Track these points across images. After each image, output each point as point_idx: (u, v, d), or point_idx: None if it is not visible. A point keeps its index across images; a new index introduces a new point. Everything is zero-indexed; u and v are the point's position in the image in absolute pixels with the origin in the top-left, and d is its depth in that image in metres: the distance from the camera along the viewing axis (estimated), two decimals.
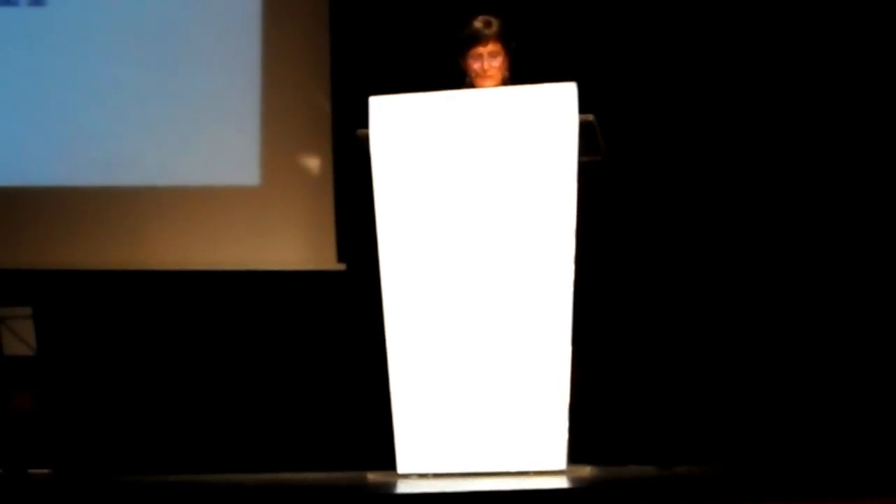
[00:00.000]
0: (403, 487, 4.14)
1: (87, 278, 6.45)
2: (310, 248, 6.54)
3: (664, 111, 6.40)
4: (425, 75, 4.76)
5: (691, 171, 6.37)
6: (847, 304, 6.22)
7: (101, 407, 6.39)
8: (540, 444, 4.39)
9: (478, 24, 4.77)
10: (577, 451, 4.49)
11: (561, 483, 4.10)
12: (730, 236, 6.35)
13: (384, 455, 4.57)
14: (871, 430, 5.99)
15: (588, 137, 4.53)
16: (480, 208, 4.49)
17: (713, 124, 6.39)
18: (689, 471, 4.85)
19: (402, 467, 4.48)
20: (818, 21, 6.37)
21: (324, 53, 6.62)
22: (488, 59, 4.75)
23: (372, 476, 4.59)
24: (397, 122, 4.56)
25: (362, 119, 4.60)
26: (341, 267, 6.50)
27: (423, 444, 4.46)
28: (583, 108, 4.50)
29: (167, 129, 6.52)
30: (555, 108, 4.49)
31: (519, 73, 4.80)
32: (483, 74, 4.76)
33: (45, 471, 5.95)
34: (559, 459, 4.40)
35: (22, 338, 5.87)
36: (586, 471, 4.50)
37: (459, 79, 4.82)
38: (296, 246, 6.55)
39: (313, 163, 6.61)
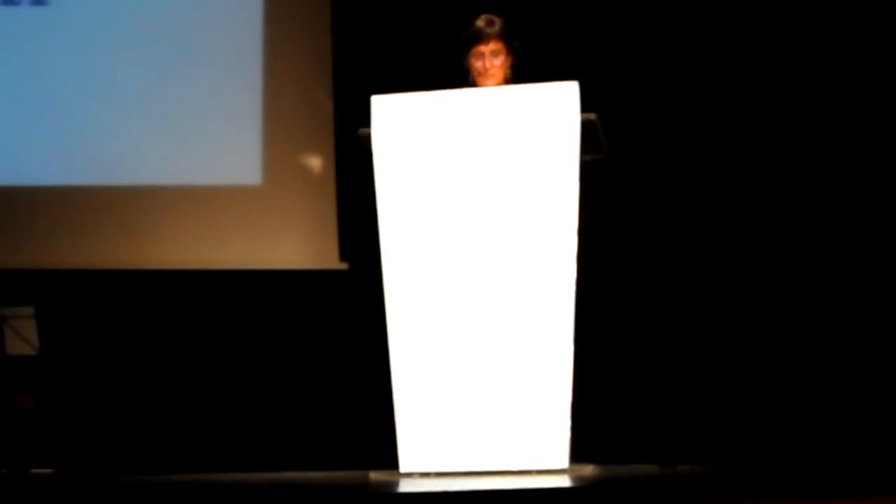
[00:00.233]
0: (406, 486, 4.14)
1: (90, 278, 6.46)
2: (312, 247, 6.55)
3: (666, 110, 6.40)
4: (427, 74, 4.76)
5: (693, 170, 6.38)
6: (847, 303, 6.22)
7: (103, 407, 6.39)
8: (542, 442, 4.39)
9: (480, 22, 4.77)
10: (580, 449, 4.48)
11: (563, 482, 4.10)
12: (731, 235, 6.35)
13: (386, 454, 4.57)
14: (871, 430, 5.99)
15: (590, 136, 4.52)
16: (482, 207, 4.49)
17: (715, 123, 6.39)
18: (692, 470, 4.85)
19: (404, 466, 4.48)
20: (818, 21, 6.37)
21: (325, 52, 6.62)
22: (490, 57, 4.75)
23: (374, 475, 4.59)
24: (399, 122, 4.56)
25: (364, 118, 4.60)
26: (343, 266, 6.50)
27: (425, 443, 4.46)
28: (585, 107, 4.50)
29: (169, 129, 6.52)
30: (557, 107, 4.49)
31: (521, 72, 4.80)
32: (485, 73, 4.76)
33: (48, 470, 5.95)
34: (561, 458, 4.40)
35: (24, 337, 5.87)
36: (588, 470, 4.50)
37: (461, 78, 4.82)
38: (298, 245, 6.55)
39: (315, 162, 6.61)
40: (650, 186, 6.38)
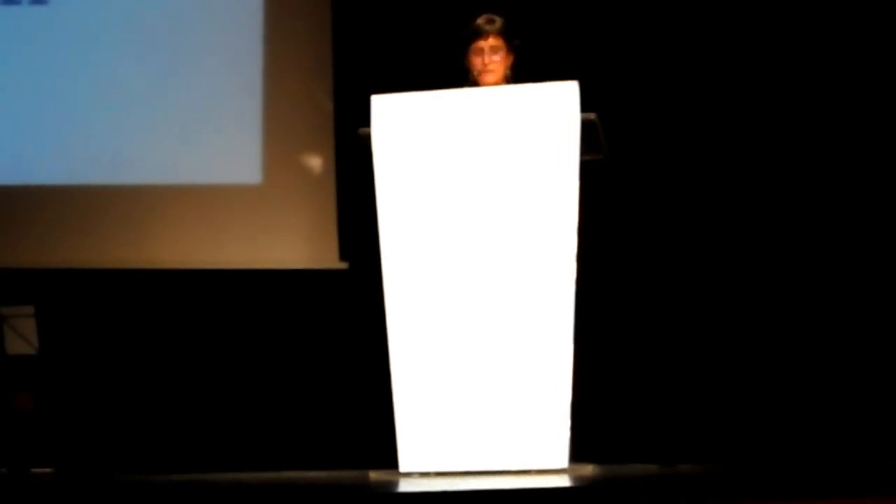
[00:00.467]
0: (405, 486, 4.14)
1: (90, 277, 6.46)
2: (312, 246, 6.55)
3: (666, 110, 6.40)
4: (427, 74, 4.76)
5: (693, 170, 6.38)
6: (847, 304, 6.22)
7: (103, 406, 6.40)
8: (542, 442, 4.39)
9: (480, 20, 4.80)
10: (580, 449, 4.49)
11: (563, 482, 4.10)
12: (732, 235, 6.35)
13: (386, 453, 4.57)
14: (872, 430, 5.99)
15: (590, 136, 4.52)
16: (482, 207, 4.49)
17: (715, 123, 6.40)
18: (692, 469, 4.85)
19: (404, 466, 4.48)
20: (818, 21, 6.37)
21: (326, 52, 6.62)
22: (489, 53, 4.76)
23: (374, 475, 4.59)
24: (399, 121, 4.56)
25: (364, 118, 4.60)
26: (343, 266, 6.50)
27: (424, 442, 4.46)
28: (585, 106, 4.50)
29: (169, 128, 6.52)
30: (557, 106, 4.49)
31: (521, 71, 4.80)
32: (484, 69, 4.77)
33: (48, 470, 5.95)
34: (561, 458, 4.40)
35: (24, 337, 5.87)
36: (588, 469, 4.50)
37: (461, 78, 4.82)
38: (298, 245, 6.55)
39: (315, 161, 6.61)
40: (650, 186, 6.38)
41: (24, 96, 6.51)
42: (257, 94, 6.59)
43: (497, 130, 4.51)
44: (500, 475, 4.34)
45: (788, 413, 6.13)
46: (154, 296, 6.50)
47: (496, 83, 4.77)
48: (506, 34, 4.78)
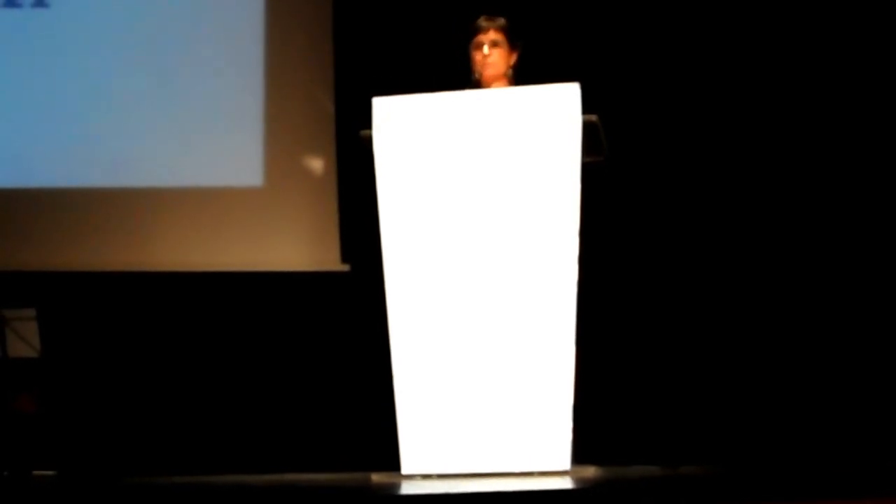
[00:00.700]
0: (407, 488, 4.14)
1: (92, 280, 6.46)
2: (313, 249, 6.55)
3: (667, 112, 6.40)
4: (428, 76, 4.77)
5: (695, 172, 6.38)
6: (848, 305, 6.22)
7: (105, 408, 6.40)
8: (544, 444, 4.39)
9: (482, 17, 4.81)
10: (582, 451, 4.48)
11: (565, 484, 4.10)
12: (733, 237, 6.35)
13: (388, 456, 4.57)
14: (873, 431, 5.99)
15: (591, 138, 4.53)
16: (484, 209, 4.49)
17: (716, 125, 6.40)
18: (694, 471, 4.85)
19: (406, 468, 4.48)
20: (818, 21, 6.37)
21: (327, 55, 6.63)
22: (490, 47, 4.78)
23: (376, 477, 4.58)
24: (401, 123, 4.56)
25: (365, 120, 4.60)
26: (345, 268, 6.51)
27: (427, 444, 4.46)
28: (586, 108, 4.50)
29: (171, 131, 6.53)
30: (558, 108, 4.49)
31: (522, 73, 4.81)
32: (484, 62, 4.78)
33: (50, 472, 5.95)
34: (563, 460, 4.40)
35: (26, 339, 5.87)
36: (590, 471, 4.49)
37: (463, 79, 4.82)
38: (300, 247, 6.55)
39: (317, 164, 6.61)
40: (651, 188, 6.38)
41: (25, 99, 6.52)
42: (259, 96, 6.59)
43: (498, 132, 4.52)
44: (502, 477, 4.34)
45: (790, 414, 6.13)
46: (156, 298, 6.51)
47: (496, 77, 4.79)
48: (507, 31, 4.80)
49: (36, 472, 5.89)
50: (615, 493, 3.83)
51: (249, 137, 6.58)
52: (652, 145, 6.37)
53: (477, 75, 4.81)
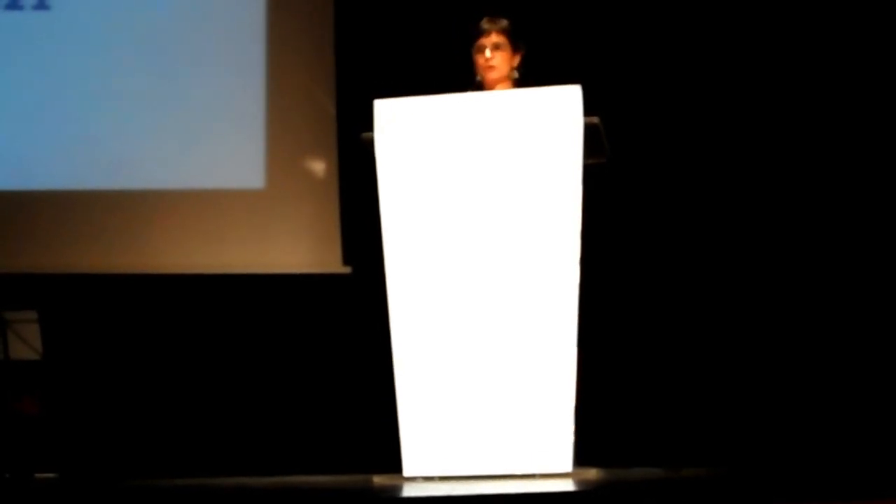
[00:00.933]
0: (409, 490, 4.14)
1: (93, 282, 6.46)
2: (315, 251, 6.55)
3: (668, 113, 6.40)
4: (430, 78, 4.77)
5: (696, 174, 6.38)
6: (849, 307, 6.22)
7: (107, 411, 6.40)
8: (546, 446, 4.39)
9: (485, 19, 4.80)
10: (583, 453, 4.48)
11: (567, 486, 4.10)
12: (734, 238, 6.35)
13: (390, 458, 4.57)
14: (873, 433, 5.99)
15: (593, 140, 4.53)
16: (486, 211, 4.49)
17: (717, 126, 6.40)
18: (696, 473, 4.85)
19: (408, 470, 4.48)
20: (819, 24, 6.37)
21: (328, 57, 6.63)
22: (492, 49, 4.77)
23: (378, 479, 4.58)
24: (402, 125, 4.56)
25: (367, 122, 4.60)
26: (347, 270, 6.51)
27: (429, 446, 4.46)
28: (587, 110, 4.50)
29: (172, 133, 6.53)
30: (560, 110, 4.49)
31: (524, 75, 4.81)
32: (486, 65, 4.78)
33: (52, 475, 5.95)
34: (565, 462, 4.40)
35: (28, 342, 5.87)
36: (592, 473, 4.49)
37: (464, 81, 4.82)
38: (301, 249, 6.55)
39: (318, 166, 6.61)
40: (653, 189, 6.38)
41: (27, 101, 6.52)
42: (260, 98, 6.59)
43: (500, 134, 4.52)
44: (504, 479, 4.33)
45: (791, 416, 6.13)
46: (157, 300, 6.51)
47: (499, 80, 4.79)
48: (510, 34, 4.79)
49: (38, 475, 5.88)
50: (617, 495, 3.83)
51: (251, 139, 6.58)
52: (653, 147, 6.37)
53: (479, 78, 4.81)
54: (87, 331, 6.45)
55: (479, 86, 4.81)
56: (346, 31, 6.62)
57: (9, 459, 5.83)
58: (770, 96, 6.40)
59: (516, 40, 4.81)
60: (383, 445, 4.71)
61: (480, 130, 4.53)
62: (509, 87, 4.79)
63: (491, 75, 4.78)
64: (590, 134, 4.51)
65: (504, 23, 4.80)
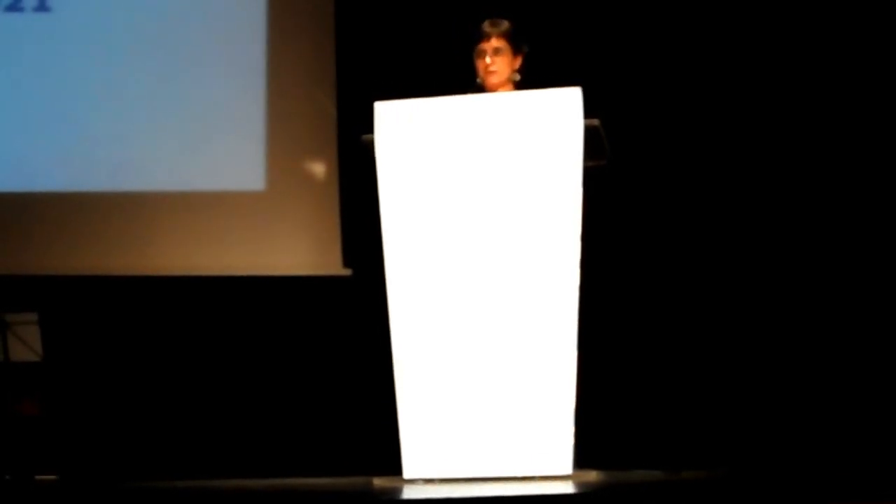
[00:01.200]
0: (409, 493, 4.14)
1: (94, 284, 6.46)
2: (315, 253, 6.55)
3: (669, 115, 6.40)
4: (430, 80, 4.77)
5: (696, 176, 6.37)
6: (849, 309, 6.22)
7: (107, 413, 6.40)
8: (546, 448, 4.39)
9: (485, 23, 4.80)
10: (584, 455, 4.48)
11: (567, 488, 4.10)
12: (735, 241, 6.35)
13: (390, 460, 4.57)
14: (874, 434, 5.98)
15: (593, 142, 4.53)
16: (486, 213, 4.49)
17: (718, 129, 6.39)
18: (695, 475, 4.85)
19: (408, 472, 4.48)
20: (819, 26, 6.37)
21: (329, 59, 6.63)
22: (492, 54, 4.77)
23: (378, 481, 4.59)
24: (402, 128, 4.57)
25: (367, 124, 4.60)
26: (347, 272, 6.51)
27: (429, 449, 4.46)
28: (588, 112, 4.50)
29: (173, 135, 6.53)
30: (560, 112, 4.50)
31: (525, 77, 4.81)
32: (486, 70, 4.78)
33: (52, 477, 5.95)
34: (565, 464, 4.40)
35: (28, 344, 5.87)
36: (592, 475, 4.49)
37: (465, 83, 4.82)
38: (301, 251, 6.55)
39: (319, 168, 6.61)
40: (653, 192, 6.38)
41: (28, 103, 6.52)
42: (261, 100, 6.59)
43: (500, 136, 4.52)
44: (504, 482, 4.34)
45: (791, 418, 6.13)
46: (158, 302, 6.50)
47: (500, 84, 4.79)
48: (511, 36, 4.79)
49: (38, 477, 5.88)
50: (617, 497, 3.83)
51: (251, 142, 6.58)
52: (654, 149, 6.37)
53: (480, 80, 4.81)
54: (88, 333, 6.45)
55: (479, 88, 4.81)
56: (347, 32, 6.62)
57: (9, 461, 5.83)
58: (770, 98, 6.40)
59: (517, 43, 4.81)
60: (383, 448, 4.71)
61: (481, 132, 4.53)
62: (509, 90, 4.79)
63: (492, 80, 4.78)
64: (590, 136, 4.51)
65: (505, 26, 4.80)
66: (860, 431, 6.02)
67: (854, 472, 4.80)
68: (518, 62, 4.82)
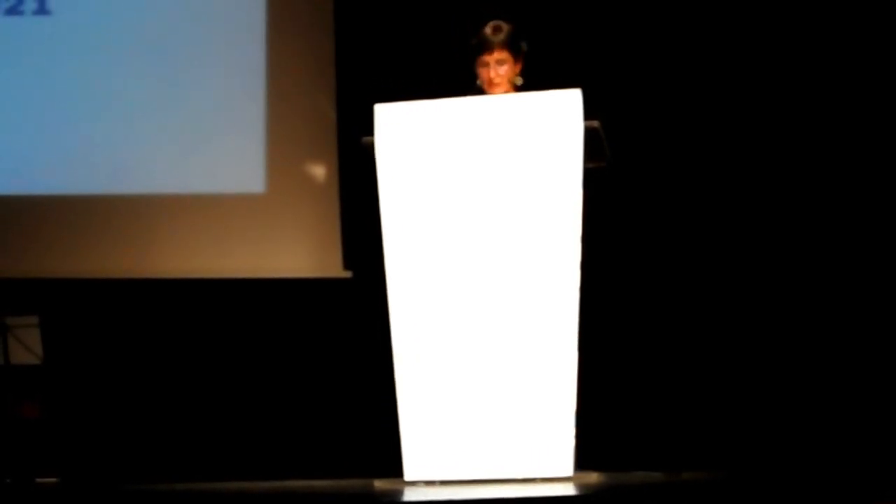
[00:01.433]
0: (410, 495, 4.14)
1: (94, 286, 6.47)
2: (316, 255, 6.55)
3: (669, 117, 6.41)
4: (430, 82, 4.77)
5: (696, 177, 6.38)
6: (849, 310, 6.22)
7: (108, 415, 6.40)
8: (547, 450, 4.39)
9: (487, 30, 4.77)
10: (584, 457, 4.48)
11: (568, 490, 4.10)
12: (735, 242, 6.35)
13: (391, 462, 4.57)
14: (874, 436, 5.98)
15: (593, 143, 4.52)
16: (486, 215, 4.49)
17: (718, 130, 6.40)
18: (696, 477, 4.85)
19: (409, 475, 4.48)
20: (819, 27, 6.37)
21: (329, 61, 6.63)
22: (495, 67, 4.75)
23: (379, 483, 4.58)
24: (402, 130, 4.56)
25: (367, 126, 4.60)
26: (347, 274, 6.51)
27: (429, 451, 4.46)
28: (588, 114, 4.50)
29: (173, 137, 6.53)
30: (560, 114, 4.49)
31: (525, 79, 4.80)
32: (490, 83, 4.77)
33: (53, 479, 5.95)
34: (566, 466, 4.39)
35: (29, 346, 5.88)
36: (593, 477, 4.49)
37: (465, 85, 4.82)
38: (302, 253, 6.55)
39: (319, 170, 6.62)
40: (653, 193, 6.38)
41: (28, 106, 6.52)
42: (261, 102, 6.60)
43: (500, 138, 4.51)
44: (505, 483, 4.33)
45: (792, 420, 6.13)
46: (158, 305, 6.51)
47: (503, 93, 4.77)
48: (512, 44, 4.76)
49: (38, 479, 5.88)
50: (618, 499, 3.83)
51: (251, 144, 6.58)
52: (654, 151, 6.37)
53: (480, 82, 4.79)
54: (88, 335, 6.46)
55: (479, 90, 4.80)
56: (347, 34, 6.62)
57: (10, 464, 5.83)
58: (771, 100, 6.41)
59: (518, 48, 4.79)
60: (384, 450, 4.70)
61: (481, 134, 4.53)
62: (510, 92, 4.78)
63: (495, 92, 4.75)
64: (590, 138, 4.51)
65: (507, 34, 4.75)
66: (860, 432, 6.02)
67: (853, 473, 4.80)
68: (519, 67, 4.81)
